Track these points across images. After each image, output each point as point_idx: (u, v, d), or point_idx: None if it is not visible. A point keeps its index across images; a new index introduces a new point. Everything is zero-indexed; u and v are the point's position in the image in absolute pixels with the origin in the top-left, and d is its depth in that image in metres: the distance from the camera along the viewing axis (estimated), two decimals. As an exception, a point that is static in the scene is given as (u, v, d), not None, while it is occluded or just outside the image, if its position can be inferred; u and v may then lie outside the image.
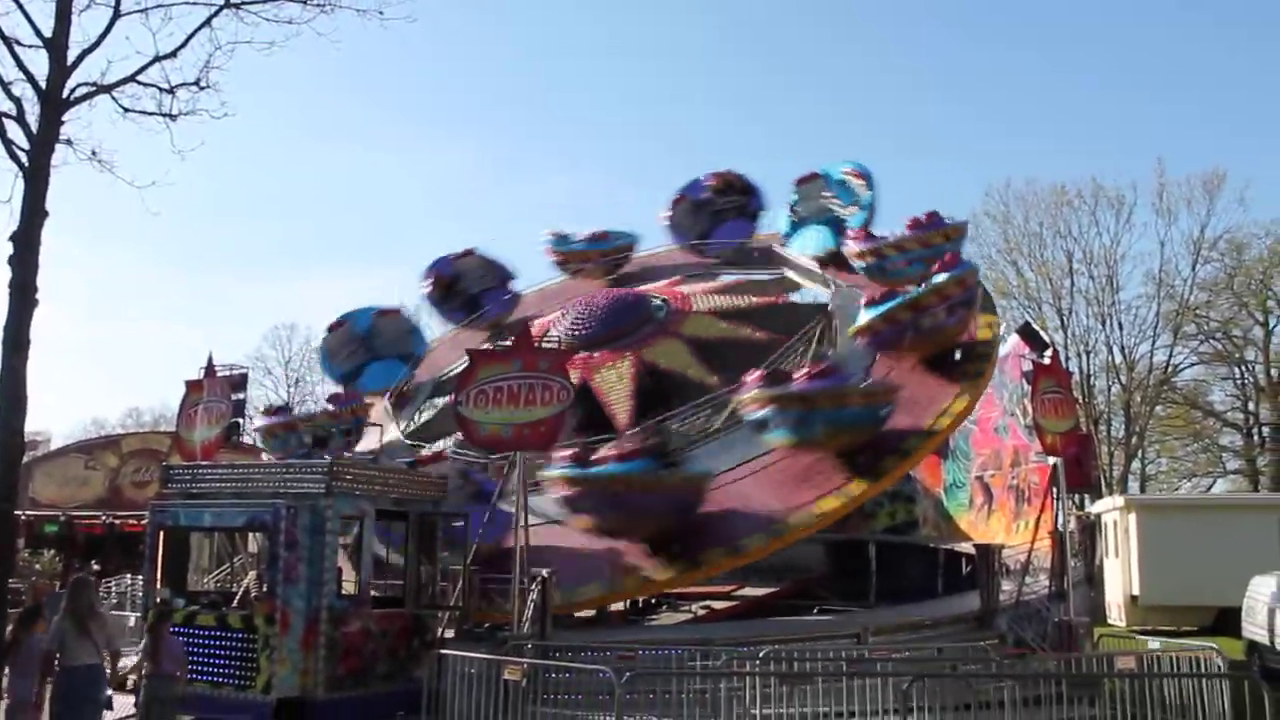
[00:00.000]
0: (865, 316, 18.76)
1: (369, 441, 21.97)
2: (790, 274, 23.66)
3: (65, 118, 17.41)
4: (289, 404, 28.12)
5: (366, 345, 25.26)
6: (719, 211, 26.23)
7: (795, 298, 24.74)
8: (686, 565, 15.81)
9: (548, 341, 20.81)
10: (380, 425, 22.38)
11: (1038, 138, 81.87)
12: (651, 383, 20.74)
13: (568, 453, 16.09)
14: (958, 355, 19.04)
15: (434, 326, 27.58)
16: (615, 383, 20.54)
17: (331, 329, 25.40)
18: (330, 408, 22.43)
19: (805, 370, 17.05)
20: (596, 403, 20.60)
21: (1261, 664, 16.48)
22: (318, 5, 17.92)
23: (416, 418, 23.98)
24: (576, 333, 22.07)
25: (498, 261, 26.87)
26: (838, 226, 23.35)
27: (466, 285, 26.29)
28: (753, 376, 17.25)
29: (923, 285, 18.45)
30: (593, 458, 15.83)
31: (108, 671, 10.08)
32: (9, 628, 10.92)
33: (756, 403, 16.94)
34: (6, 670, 10.51)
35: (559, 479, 15.84)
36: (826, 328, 20.32)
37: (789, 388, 16.57)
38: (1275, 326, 44.63)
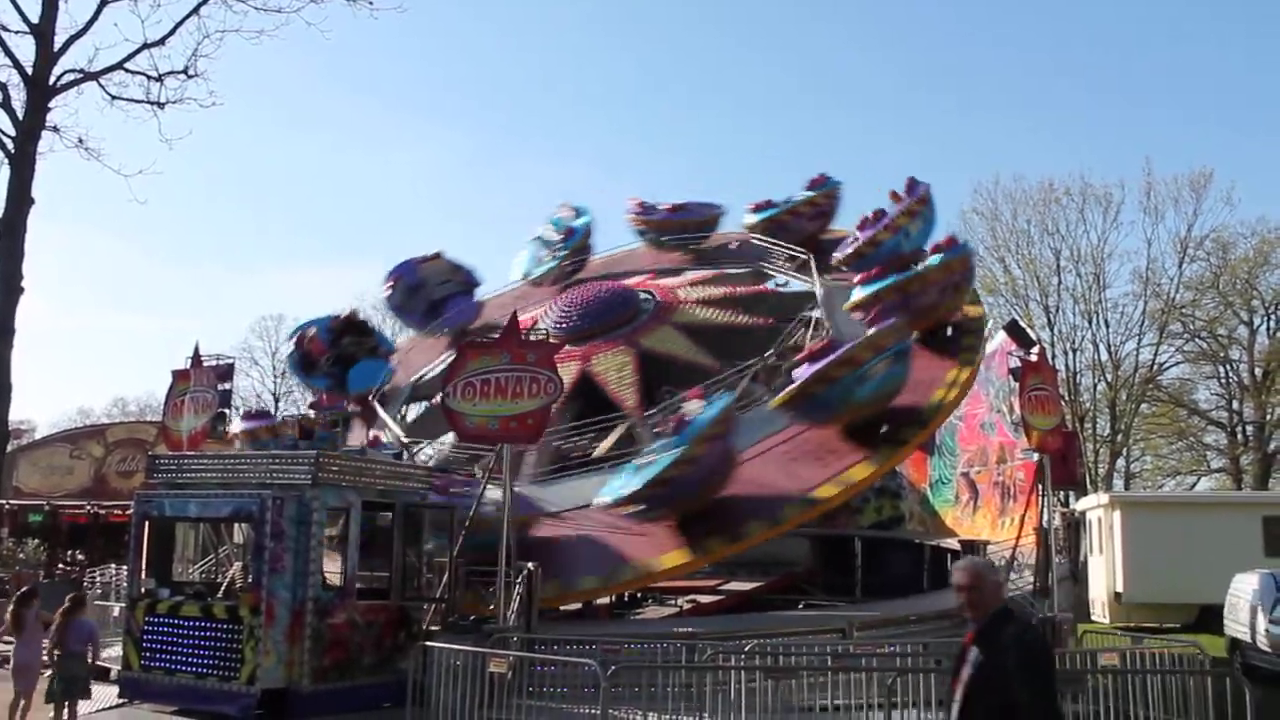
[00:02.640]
0: (858, 293, 19.00)
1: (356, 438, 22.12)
2: (767, 267, 23.79)
3: (52, 104, 17.34)
4: (269, 409, 28.13)
5: (424, 291, 25.87)
6: (437, 296, 26.25)
7: (771, 286, 24.71)
8: (720, 544, 16.21)
9: (536, 334, 20.84)
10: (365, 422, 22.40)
11: (1027, 135, 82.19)
12: (649, 368, 20.92)
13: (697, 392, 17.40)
14: (950, 332, 19.40)
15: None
16: (616, 369, 20.66)
17: (391, 287, 25.95)
18: (312, 414, 22.49)
19: (802, 355, 17.39)
20: (595, 393, 20.69)
21: (1243, 661, 16.58)
22: (307, -6, 17.89)
23: (402, 413, 24.00)
24: (564, 325, 22.08)
25: (464, 266, 26.76)
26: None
27: (430, 291, 26.22)
28: (693, 390, 17.52)
29: (919, 265, 18.62)
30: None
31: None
32: (9, 607, 12.58)
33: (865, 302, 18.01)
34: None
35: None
36: (818, 316, 20.45)
37: (796, 377, 16.96)
38: (1260, 326, 44.87)
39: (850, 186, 25.10)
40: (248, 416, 24.21)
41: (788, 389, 17.28)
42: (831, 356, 16.72)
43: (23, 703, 11.93)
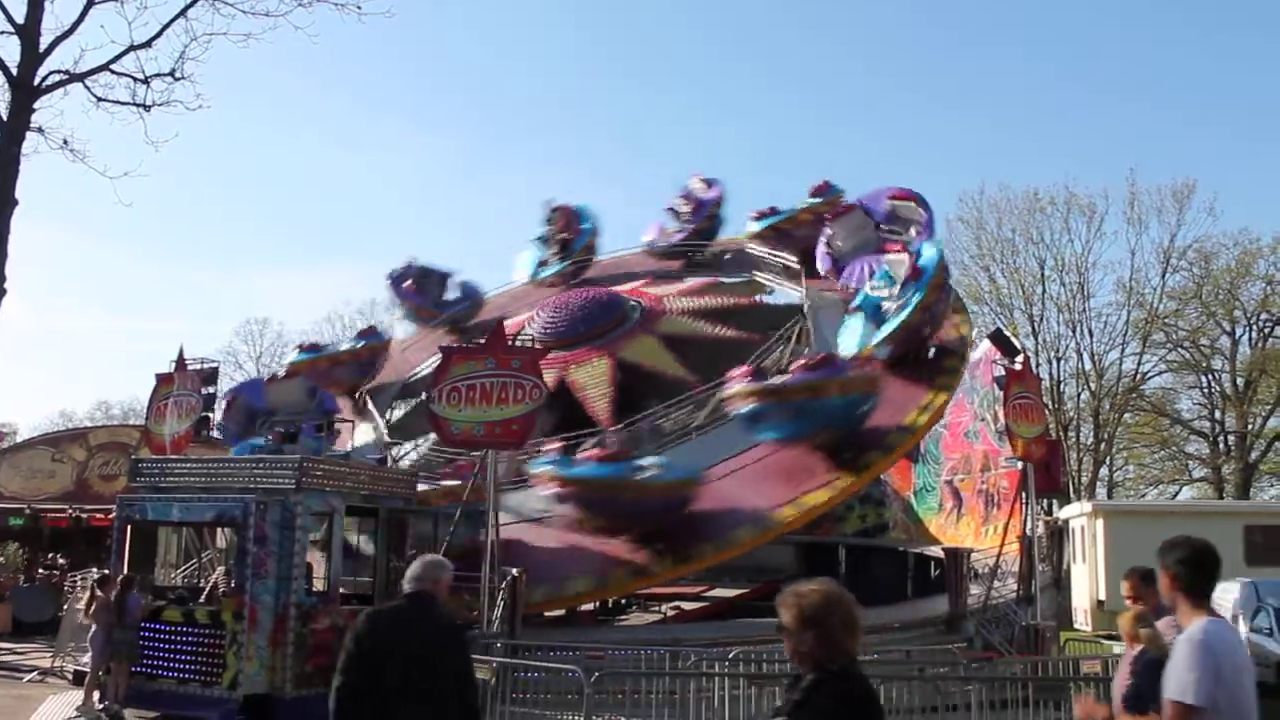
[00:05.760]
0: (868, 343, 18.39)
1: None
2: (760, 276, 23.67)
3: (37, 105, 17.25)
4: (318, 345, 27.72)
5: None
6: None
7: (765, 299, 24.75)
8: (676, 560, 15.86)
9: (521, 340, 20.82)
10: (351, 422, 22.29)
11: (1011, 145, 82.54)
12: (628, 379, 20.82)
13: (555, 445, 16.14)
14: (931, 353, 19.02)
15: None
16: (593, 379, 20.60)
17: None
18: (358, 344, 23.78)
19: (800, 362, 16.90)
20: (573, 400, 20.64)
21: (1224, 669, 16.64)
22: (295, -1, 17.89)
23: (388, 416, 23.94)
24: (550, 331, 22.07)
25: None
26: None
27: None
28: (739, 371, 17.18)
29: (904, 308, 18.08)
30: (577, 455, 15.86)
31: None
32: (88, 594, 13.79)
33: (748, 397, 16.73)
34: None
35: (546, 474, 15.85)
36: (804, 326, 20.42)
37: (782, 381, 16.44)
38: (1242, 336, 45.13)
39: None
40: (303, 349, 25.25)
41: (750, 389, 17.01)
42: (817, 375, 16.42)
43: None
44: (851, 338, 18.67)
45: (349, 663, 4.99)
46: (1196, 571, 3.97)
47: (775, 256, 24.82)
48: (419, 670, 4.89)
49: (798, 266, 23.78)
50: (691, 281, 24.84)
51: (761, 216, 24.67)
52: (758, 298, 24.44)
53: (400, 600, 5.23)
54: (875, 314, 18.54)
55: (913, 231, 21.39)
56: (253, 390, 22.70)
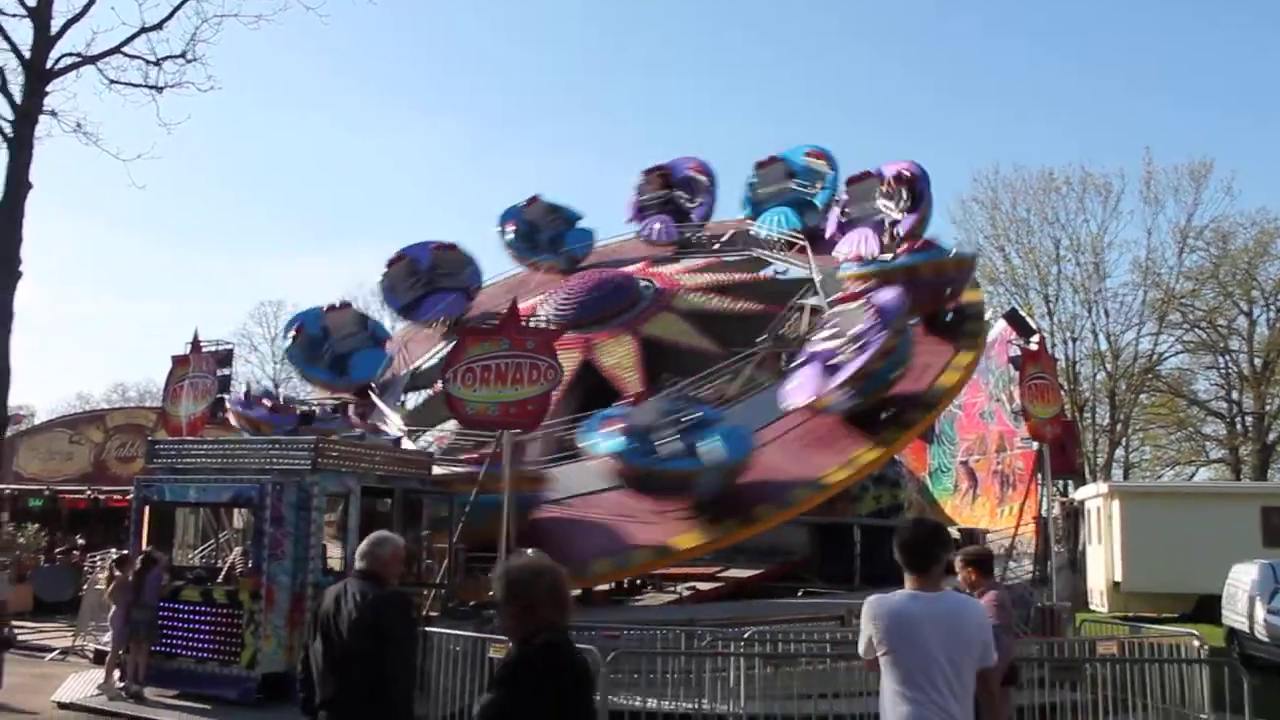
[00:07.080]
0: (860, 269, 18.90)
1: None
2: (760, 253, 23.87)
3: (49, 89, 17.29)
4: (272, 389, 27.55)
5: (427, 279, 25.59)
6: (433, 282, 25.79)
7: (770, 273, 24.83)
8: (739, 524, 16.16)
9: (535, 321, 20.81)
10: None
11: (1027, 124, 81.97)
12: (652, 355, 20.96)
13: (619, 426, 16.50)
14: (949, 318, 19.24)
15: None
16: (619, 356, 20.69)
17: (391, 263, 25.71)
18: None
19: (903, 246, 18.54)
20: (598, 381, 20.69)
21: (1241, 650, 16.62)
22: (306, -21, 17.86)
23: (401, 408, 23.99)
24: (564, 313, 22.04)
25: (560, 206, 27.40)
26: (801, 208, 25.02)
27: (543, 230, 26.91)
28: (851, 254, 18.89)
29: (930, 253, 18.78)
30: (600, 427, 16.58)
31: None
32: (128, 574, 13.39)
33: (857, 280, 18.49)
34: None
35: (608, 458, 16.25)
36: (816, 294, 20.54)
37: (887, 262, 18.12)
38: (1259, 316, 44.76)
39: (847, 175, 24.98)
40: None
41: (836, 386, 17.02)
42: (868, 354, 16.65)
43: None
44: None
45: (307, 634, 5.44)
46: (902, 552, 4.71)
47: (777, 234, 24.97)
48: (338, 643, 5.10)
49: (801, 241, 23.96)
50: (691, 262, 24.83)
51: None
52: (762, 273, 24.53)
53: (351, 577, 5.43)
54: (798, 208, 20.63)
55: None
56: (311, 319, 24.63)
